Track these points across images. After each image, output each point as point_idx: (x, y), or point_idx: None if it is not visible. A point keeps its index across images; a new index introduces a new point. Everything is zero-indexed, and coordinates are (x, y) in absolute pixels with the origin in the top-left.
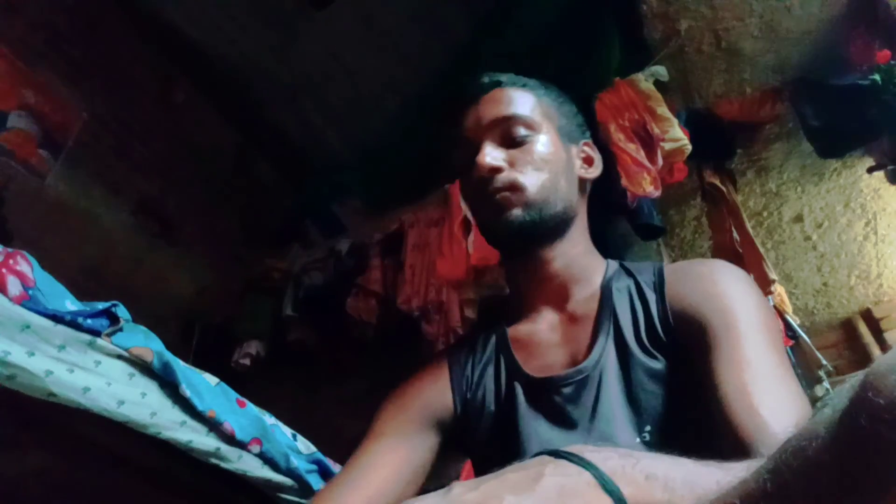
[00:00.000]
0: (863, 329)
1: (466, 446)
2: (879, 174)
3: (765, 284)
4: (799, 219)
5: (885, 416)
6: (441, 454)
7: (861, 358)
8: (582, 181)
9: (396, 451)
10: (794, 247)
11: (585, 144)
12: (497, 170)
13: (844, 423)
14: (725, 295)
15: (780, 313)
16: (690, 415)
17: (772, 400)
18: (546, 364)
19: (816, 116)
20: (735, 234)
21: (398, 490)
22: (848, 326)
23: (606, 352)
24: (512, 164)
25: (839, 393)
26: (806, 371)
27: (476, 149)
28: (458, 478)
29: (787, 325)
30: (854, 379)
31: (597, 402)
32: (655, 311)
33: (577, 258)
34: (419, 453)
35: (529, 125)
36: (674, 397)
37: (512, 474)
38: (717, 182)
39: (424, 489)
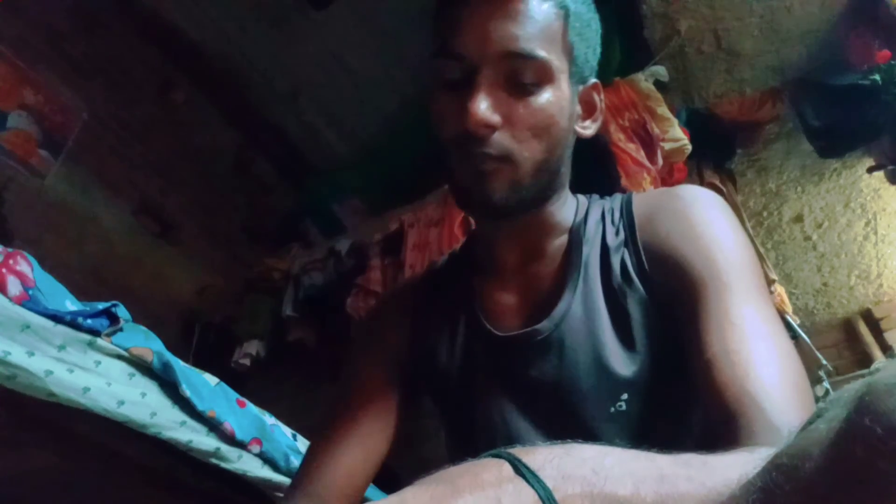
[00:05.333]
0: (863, 329)
1: (432, 399)
2: (879, 174)
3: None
4: (799, 219)
5: (883, 448)
6: (415, 404)
7: (861, 358)
8: (574, 134)
9: (379, 405)
10: (794, 247)
11: (593, 88)
12: (490, 127)
13: (838, 450)
14: (706, 237)
15: (780, 313)
16: (669, 378)
17: (760, 368)
18: (511, 322)
19: (816, 116)
20: None
21: (384, 447)
22: (848, 326)
23: (572, 310)
24: (509, 121)
25: (836, 402)
26: (806, 371)
27: (470, 73)
28: None
29: (787, 325)
30: (852, 390)
31: (560, 368)
32: (629, 259)
33: (554, 213)
34: (396, 407)
35: (544, 73)
36: (650, 359)
37: (469, 496)
38: (717, 182)
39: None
